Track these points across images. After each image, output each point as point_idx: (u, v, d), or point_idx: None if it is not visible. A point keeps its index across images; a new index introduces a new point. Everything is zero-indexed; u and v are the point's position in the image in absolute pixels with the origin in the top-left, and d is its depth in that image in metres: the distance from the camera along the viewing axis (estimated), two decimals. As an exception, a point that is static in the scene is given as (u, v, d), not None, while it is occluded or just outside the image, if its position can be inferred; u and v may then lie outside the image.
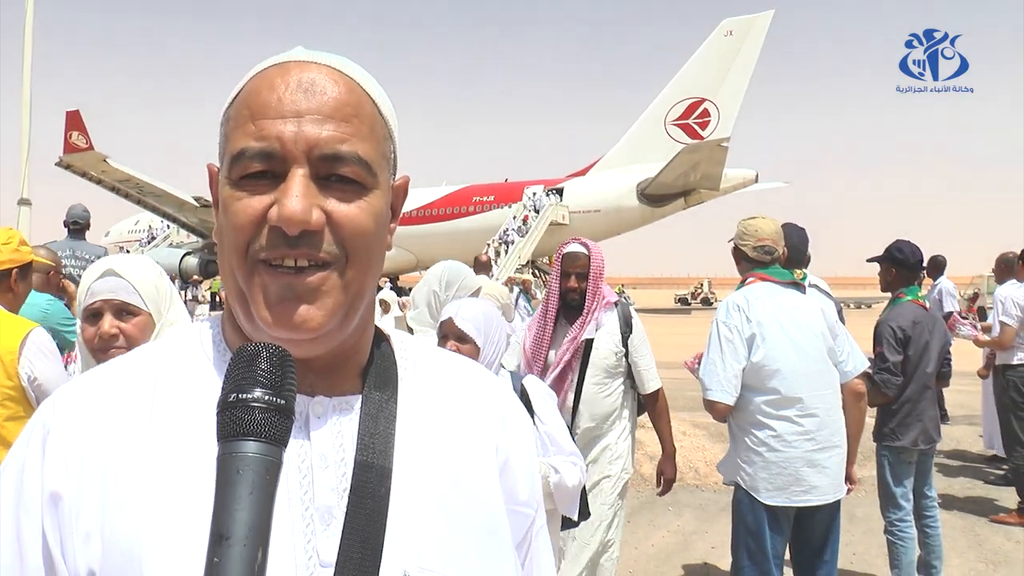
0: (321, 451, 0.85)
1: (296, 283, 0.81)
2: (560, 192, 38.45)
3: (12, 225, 14.61)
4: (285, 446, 0.68)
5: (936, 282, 9.76)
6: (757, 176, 38.06)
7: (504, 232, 35.23)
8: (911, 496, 4.62)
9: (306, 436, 0.85)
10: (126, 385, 0.86)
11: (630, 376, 4.02)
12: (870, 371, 4.62)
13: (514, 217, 36.03)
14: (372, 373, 0.93)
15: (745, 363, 3.45)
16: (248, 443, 0.65)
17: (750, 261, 3.73)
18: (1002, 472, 7.20)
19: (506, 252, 33.82)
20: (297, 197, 0.78)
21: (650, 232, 38.99)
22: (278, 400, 0.68)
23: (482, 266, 9.47)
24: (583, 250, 3.98)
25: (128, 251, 41.57)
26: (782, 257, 3.76)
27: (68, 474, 0.79)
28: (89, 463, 0.80)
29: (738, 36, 36.84)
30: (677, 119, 38.07)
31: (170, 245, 42.69)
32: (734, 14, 37.85)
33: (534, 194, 37.70)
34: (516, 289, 13.67)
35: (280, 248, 0.80)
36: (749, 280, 3.67)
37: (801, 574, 3.69)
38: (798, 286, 3.65)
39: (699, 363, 3.76)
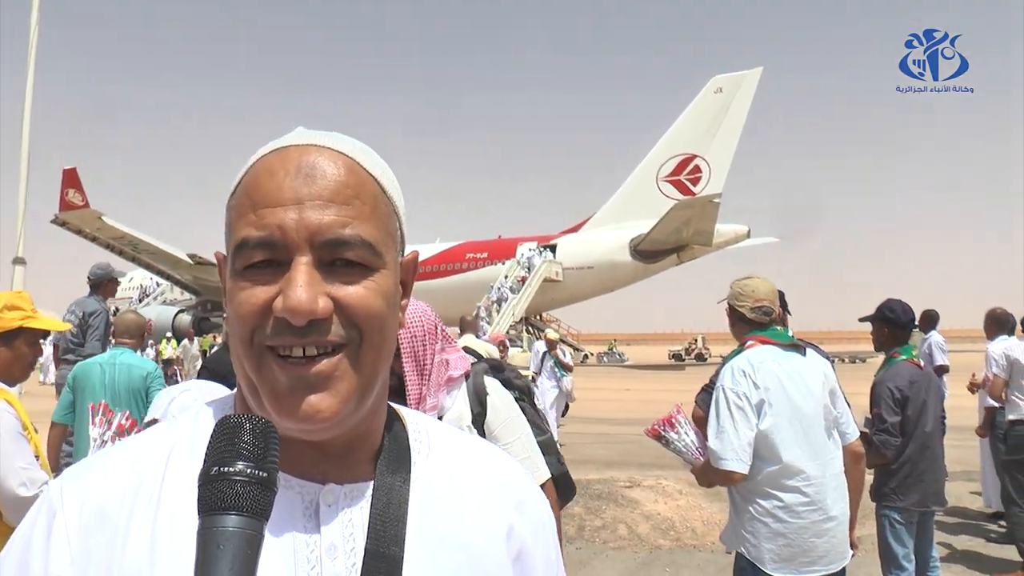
0: (331, 541, 0.83)
1: (306, 373, 0.79)
2: (553, 248, 38.71)
3: (7, 285, 14.62)
4: (267, 519, 0.67)
5: (927, 336, 9.79)
6: (749, 231, 38.39)
7: (498, 289, 35.34)
8: (913, 557, 4.55)
9: (316, 527, 0.83)
10: (135, 465, 0.84)
11: None
12: (868, 431, 4.60)
13: (505, 276, 36.19)
14: (385, 457, 0.91)
15: (756, 430, 3.31)
16: (229, 517, 0.64)
17: (748, 323, 3.64)
18: (1004, 529, 7.12)
19: (498, 311, 33.86)
20: (301, 287, 0.77)
21: (643, 288, 39.02)
22: (260, 473, 0.67)
23: (469, 325, 9.52)
24: None
25: (118, 309, 41.65)
26: (778, 318, 3.71)
27: (72, 560, 0.78)
28: (94, 547, 0.78)
29: (728, 93, 37.49)
30: (668, 175, 38.54)
31: (164, 303, 42.69)
32: (724, 71, 38.52)
33: (528, 250, 37.91)
34: (541, 350, 13.47)
35: (287, 337, 0.78)
36: (749, 343, 3.56)
37: None
38: (798, 348, 3.56)
39: (664, 430, 3.66)
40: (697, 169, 37.67)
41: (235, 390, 0.94)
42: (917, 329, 9.90)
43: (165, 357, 26.31)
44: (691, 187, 37.50)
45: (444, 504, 0.90)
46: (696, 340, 55.07)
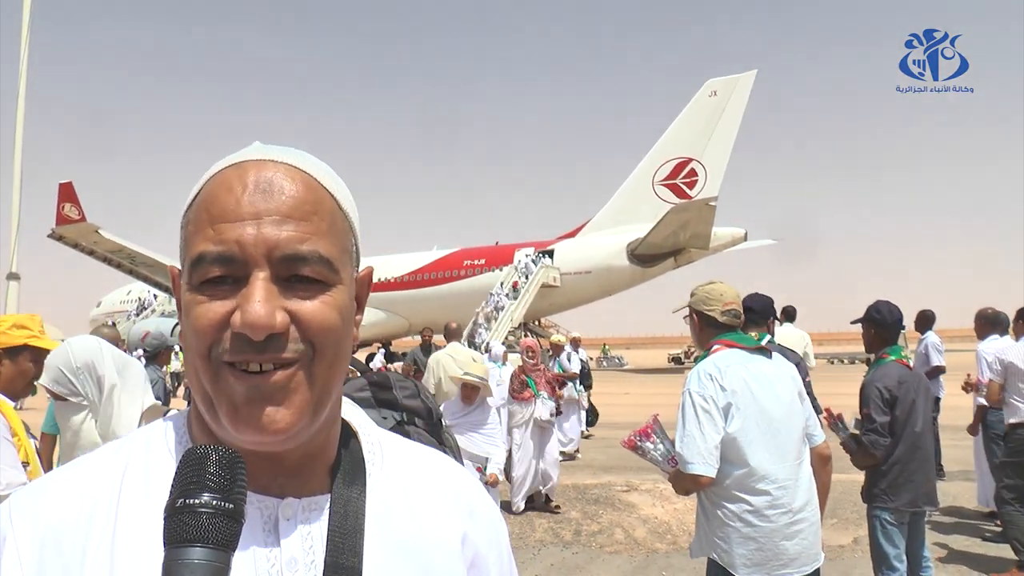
0: (291, 555, 0.83)
1: (262, 384, 0.79)
2: (551, 254, 38.70)
3: (2, 300, 14.63)
4: (234, 551, 0.67)
5: (923, 336, 9.80)
6: (746, 234, 38.40)
7: (496, 296, 35.32)
8: (904, 557, 4.55)
9: (275, 541, 0.84)
10: (88, 486, 0.83)
11: None
12: (858, 432, 4.61)
13: (501, 284, 36.19)
14: (341, 470, 0.92)
15: (723, 434, 3.28)
16: (195, 549, 0.64)
17: (718, 326, 3.61)
18: (1000, 528, 7.13)
19: (496, 318, 33.84)
20: (259, 302, 0.77)
21: (642, 291, 39.04)
22: (226, 504, 0.67)
23: (452, 333, 9.52)
24: None
25: (115, 323, 41.69)
26: (771, 325, 3.72)
27: None
28: (48, 571, 0.77)
29: (722, 96, 37.52)
30: (664, 179, 38.56)
31: (162, 314, 42.67)
32: (719, 74, 38.56)
33: (525, 256, 37.89)
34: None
35: (245, 353, 0.79)
36: (715, 347, 3.53)
37: None
38: (764, 351, 3.55)
39: (640, 440, 3.66)
40: (693, 172, 37.68)
41: (188, 407, 0.94)
42: (913, 330, 9.95)
43: (172, 371, 26.13)
44: (687, 190, 37.51)
45: (400, 514, 0.92)
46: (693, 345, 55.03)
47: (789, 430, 3.37)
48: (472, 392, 6.46)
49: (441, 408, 6.53)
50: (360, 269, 0.95)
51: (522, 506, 8.55)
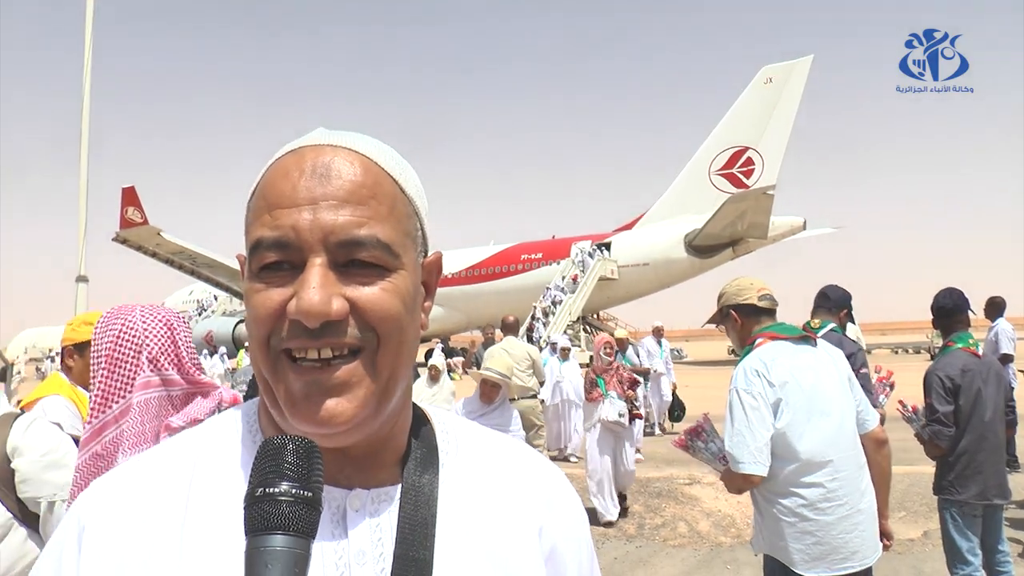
0: (359, 547, 0.83)
1: (322, 378, 0.78)
2: (608, 247, 38.49)
3: (70, 302, 15.10)
4: (313, 538, 0.67)
5: (994, 324, 9.55)
6: (805, 223, 37.72)
7: (553, 290, 35.24)
8: (979, 551, 4.44)
9: (343, 532, 0.83)
10: (162, 478, 0.84)
11: None
12: (920, 421, 4.52)
13: (563, 277, 36.08)
14: (412, 459, 0.90)
15: (773, 430, 3.24)
16: (276, 537, 0.65)
17: (758, 313, 3.56)
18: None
19: (554, 312, 33.78)
20: (315, 288, 0.76)
21: (699, 283, 38.53)
22: (305, 493, 0.67)
23: (509, 327, 9.47)
24: None
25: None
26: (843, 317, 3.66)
27: (103, 572, 0.78)
28: (125, 560, 0.78)
29: (778, 83, 36.85)
30: (721, 169, 38.03)
31: (223, 314, 43.50)
32: (776, 60, 37.92)
33: (582, 250, 37.75)
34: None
35: (301, 339, 0.78)
36: (759, 341, 3.46)
37: None
38: (809, 340, 3.48)
39: (691, 440, 3.63)
40: (750, 161, 37.10)
41: (258, 396, 0.93)
42: (983, 317, 9.68)
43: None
44: (744, 180, 36.95)
45: (474, 505, 0.89)
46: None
47: (840, 419, 3.32)
48: (492, 390, 6.13)
49: (460, 404, 6.47)
50: (429, 254, 0.93)
51: (615, 513, 7.92)
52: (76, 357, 3.48)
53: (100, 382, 1.96)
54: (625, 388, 8.33)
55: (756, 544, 3.52)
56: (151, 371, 1.97)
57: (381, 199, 0.83)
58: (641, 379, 10.83)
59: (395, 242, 0.82)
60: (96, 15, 16.69)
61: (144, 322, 2.02)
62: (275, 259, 0.79)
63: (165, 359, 2.00)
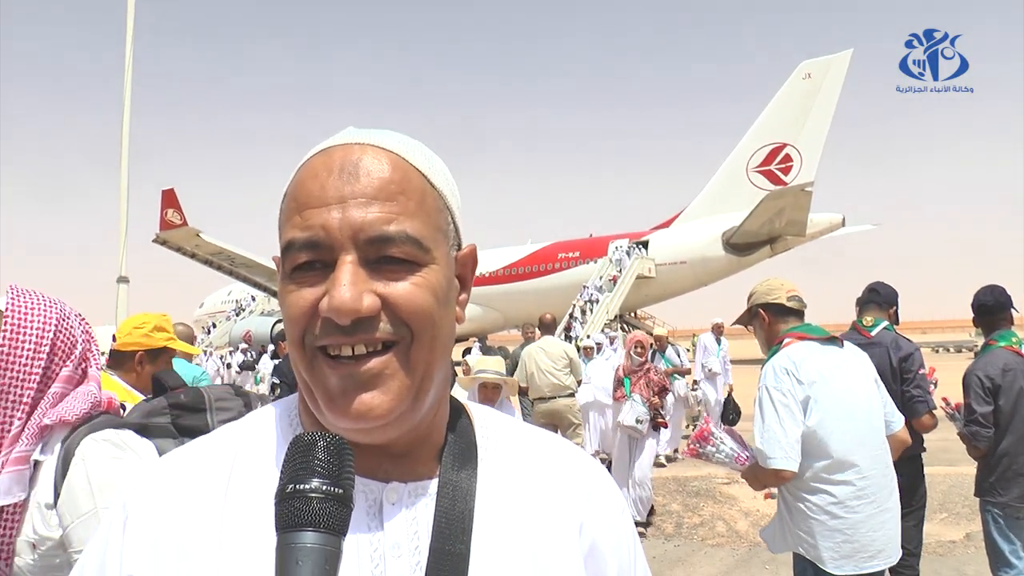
0: (395, 540, 0.83)
1: (356, 372, 0.79)
2: (645, 245, 38.30)
3: (112, 302, 15.33)
4: (344, 535, 0.68)
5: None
6: (844, 220, 37.25)
7: (591, 289, 35.16)
8: (1022, 553, 4.38)
9: (379, 525, 0.84)
10: (204, 469, 0.87)
11: None
12: (962, 420, 4.47)
13: (600, 277, 35.97)
14: (450, 453, 0.90)
15: (803, 427, 3.30)
16: (306, 534, 0.65)
17: (787, 313, 3.65)
18: None
19: (591, 310, 33.70)
20: (345, 286, 0.77)
21: (736, 280, 38.14)
22: (336, 489, 0.68)
23: (546, 326, 9.44)
24: None
25: (215, 324, 43.57)
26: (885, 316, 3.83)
27: (145, 559, 0.81)
28: (165, 548, 0.81)
29: (816, 78, 36.41)
30: (759, 166, 37.66)
31: (261, 314, 43.97)
32: (814, 55, 37.46)
33: (619, 248, 37.61)
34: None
35: (335, 336, 0.79)
36: (787, 341, 3.54)
37: None
38: (836, 340, 3.56)
39: (700, 447, 3.65)
40: (788, 158, 36.67)
41: (297, 391, 0.95)
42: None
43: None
44: (782, 177, 36.53)
45: (512, 499, 0.89)
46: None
47: (868, 419, 3.40)
48: (493, 392, 5.93)
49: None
50: (463, 247, 0.93)
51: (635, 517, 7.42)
52: (146, 364, 3.37)
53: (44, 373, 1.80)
54: (652, 393, 7.76)
55: (777, 544, 3.55)
56: (74, 367, 1.86)
57: (410, 194, 0.83)
58: (673, 385, 10.12)
59: (425, 237, 0.83)
60: (137, 22, 16.94)
61: (69, 315, 1.90)
62: (307, 259, 0.80)
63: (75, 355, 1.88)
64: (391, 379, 0.80)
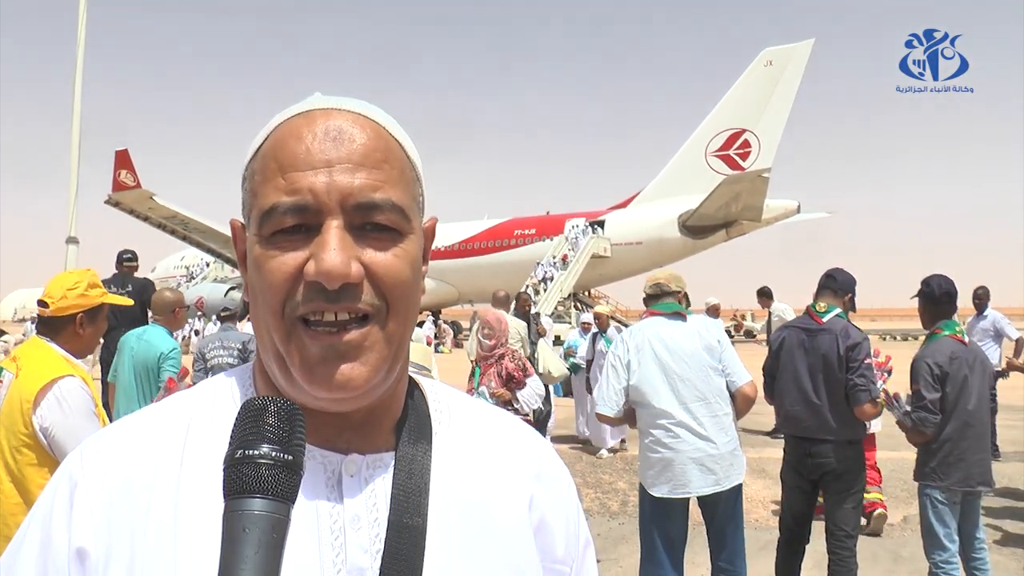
0: (354, 512, 0.82)
1: (337, 342, 0.78)
2: (602, 224, 38.49)
3: (60, 263, 15.00)
4: (293, 502, 0.66)
5: (985, 313, 9.61)
6: (799, 207, 37.76)
7: (545, 266, 35.26)
8: (956, 537, 4.47)
9: (339, 497, 0.83)
10: (158, 436, 0.84)
11: None
12: (908, 408, 4.53)
13: (554, 256, 36.09)
14: (407, 427, 0.90)
15: (625, 383, 4.35)
16: (255, 500, 0.63)
17: (649, 297, 4.68)
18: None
19: (545, 288, 33.80)
20: (335, 250, 0.75)
21: (693, 263, 38.59)
22: (285, 456, 0.66)
23: (499, 302, 9.39)
24: None
25: (171, 286, 42.91)
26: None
27: (95, 530, 0.77)
28: (116, 519, 0.78)
29: (778, 66, 36.77)
30: (717, 150, 38.01)
31: (214, 280, 43.42)
32: (775, 43, 37.75)
33: (575, 227, 37.72)
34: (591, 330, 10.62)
35: (318, 302, 0.77)
36: (644, 315, 4.62)
37: (712, 556, 4.48)
38: (680, 315, 4.50)
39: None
40: (746, 144, 37.06)
41: (252, 362, 0.93)
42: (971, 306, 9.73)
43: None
44: (740, 162, 36.94)
45: (466, 474, 0.90)
46: (745, 316, 54.27)
47: (689, 378, 4.26)
48: None
49: None
50: (425, 220, 0.93)
51: None
52: (87, 326, 3.14)
53: None
54: (502, 383, 5.82)
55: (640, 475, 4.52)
56: None
57: (393, 164, 0.83)
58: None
59: (408, 206, 0.83)
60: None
61: None
62: (292, 223, 0.78)
63: None
64: (370, 350, 0.80)
